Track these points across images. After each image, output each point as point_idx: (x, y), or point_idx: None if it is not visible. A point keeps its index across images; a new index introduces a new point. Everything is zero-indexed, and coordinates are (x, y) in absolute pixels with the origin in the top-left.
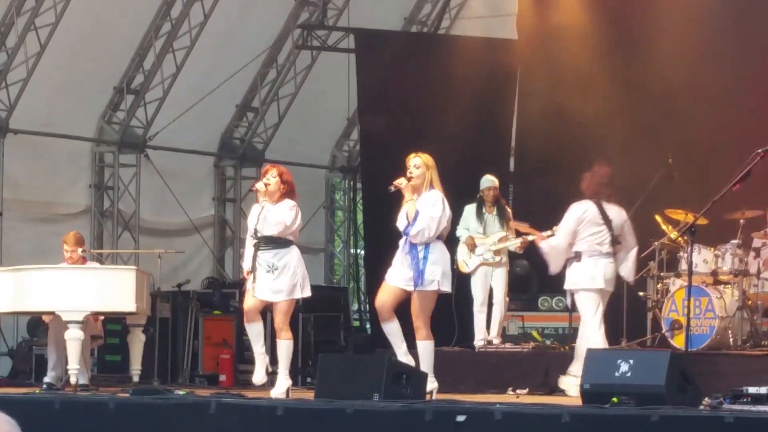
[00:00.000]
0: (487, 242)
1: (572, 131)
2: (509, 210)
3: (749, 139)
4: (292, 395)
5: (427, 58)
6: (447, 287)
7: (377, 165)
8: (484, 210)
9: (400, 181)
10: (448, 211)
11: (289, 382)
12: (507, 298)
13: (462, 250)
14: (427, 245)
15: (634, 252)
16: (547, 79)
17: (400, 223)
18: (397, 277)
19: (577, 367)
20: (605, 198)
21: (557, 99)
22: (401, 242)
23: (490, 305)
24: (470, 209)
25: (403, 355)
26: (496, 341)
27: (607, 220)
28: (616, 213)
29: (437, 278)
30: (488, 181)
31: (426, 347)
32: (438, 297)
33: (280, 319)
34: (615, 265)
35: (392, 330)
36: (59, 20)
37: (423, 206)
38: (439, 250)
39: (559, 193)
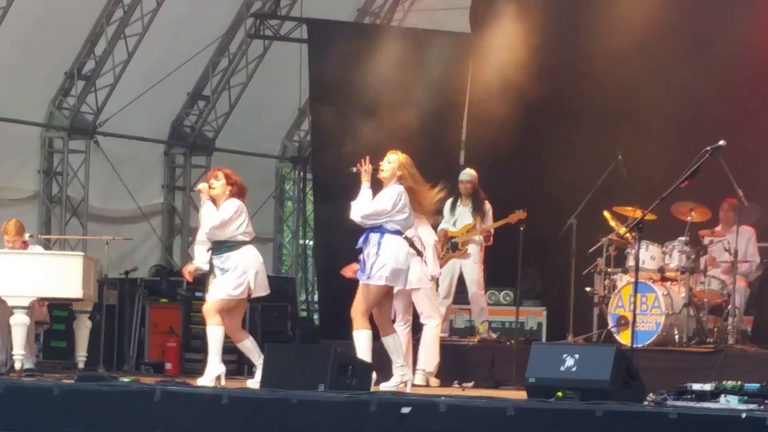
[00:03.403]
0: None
1: (523, 125)
2: (488, 204)
3: (698, 137)
4: (239, 384)
5: (380, 49)
6: (397, 283)
7: (328, 156)
8: (458, 203)
9: (365, 167)
10: (400, 206)
11: (221, 369)
12: (482, 291)
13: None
14: (380, 240)
15: (431, 249)
16: (498, 72)
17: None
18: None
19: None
20: None
21: (508, 92)
22: (362, 237)
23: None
24: (448, 203)
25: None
26: (483, 334)
27: None
28: None
29: (385, 274)
30: (464, 174)
31: (358, 337)
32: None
33: (209, 306)
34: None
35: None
36: (10, 5)
37: (380, 194)
38: (392, 246)
39: (508, 185)
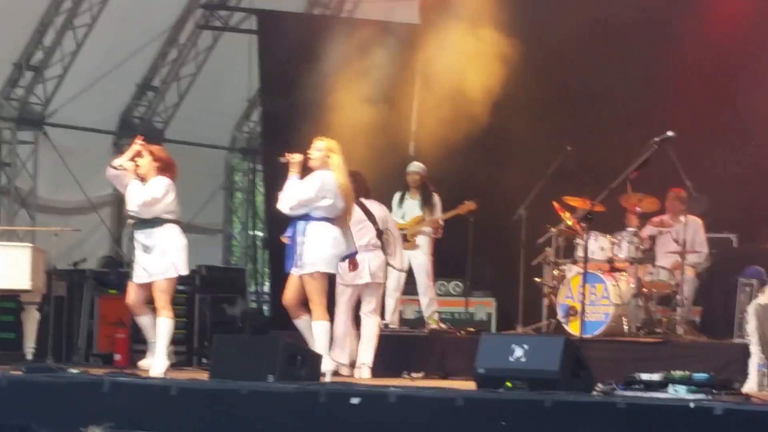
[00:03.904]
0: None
1: (473, 116)
2: (436, 197)
3: (647, 128)
4: (188, 375)
5: (330, 40)
6: (329, 268)
7: (278, 147)
8: (407, 196)
9: (293, 156)
10: (324, 192)
11: (167, 362)
12: (431, 282)
13: None
14: (306, 227)
15: (399, 242)
16: (447, 64)
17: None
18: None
19: (337, 352)
20: (364, 196)
21: (457, 84)
22: (289, 229)
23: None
24: (396, 196)
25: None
26: (433, 325)
27: (369, 216)
28: (378, 208)
29: (314, 260)
30: (413, 166)
31: (316, 328)
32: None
33: (160, 298)
34: (383, 257)
35: (301, 326)
36: None
37: (303, 181)
38: (320, 233)
39: (458, 177)
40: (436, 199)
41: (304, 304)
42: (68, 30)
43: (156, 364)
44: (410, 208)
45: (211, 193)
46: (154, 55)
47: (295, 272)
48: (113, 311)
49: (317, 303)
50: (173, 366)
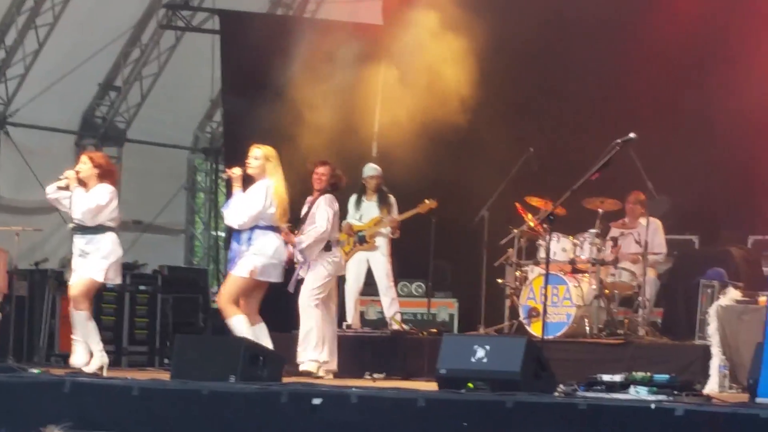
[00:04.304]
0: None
1: (435, 117)
2: (393, 198)
3: (609, 129)
4: (149, 375)
5: (293, 41)
6: (271, 277)
7: (240, 147)
8: (363, 198)
9: (234, 171)
10: (270, 200)
11: (104, 360)
12: (392, 282)
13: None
14: (251, 233)
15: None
16: (410, 65)
17: (227, 217)
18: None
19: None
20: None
21: (420, 84)
22: (235, 234)
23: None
24: (352, 199)
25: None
26: (395, 326)
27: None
28: None
29: (254, 266)
30: (371, 169)
31: (236, 324)
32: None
33: (77, 292)
34: None
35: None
36: None
37: (247, 193)
38: (264, 241)
39: (420, 178)
40: (392, 199)
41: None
42: (30, 29)
43: (93, 361)
44: (367, 209)
45: (173, 193)
46: (116, 54)
47: (229, 270)
48: None
49: (228, 301)
50: (135, 366)
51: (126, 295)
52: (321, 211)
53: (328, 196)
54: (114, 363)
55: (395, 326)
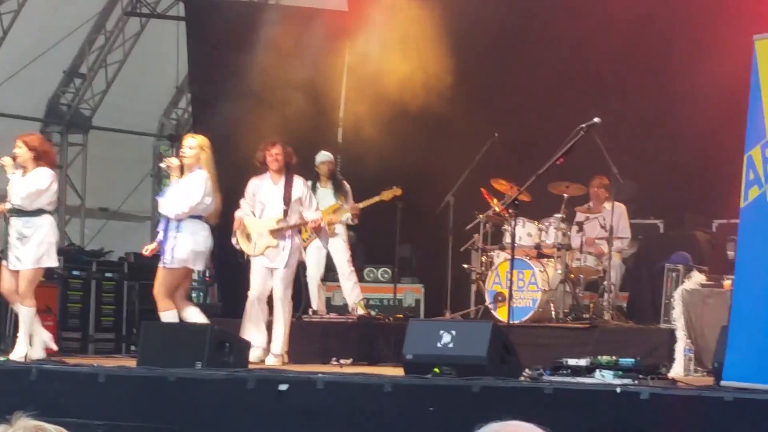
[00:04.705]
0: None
1: (400, 103)
2: (347, 184)
3: (574, 114)
4: (116, 362)
5: (258, 27)
6: (199, 265)
7: (207, 133)
8: (318, 185)
9: (171, 161)
10: (206, 192)
11: (28, 348)
12: (352, 267)
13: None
14: (179, 223)
15: None
16: (375, 50)
17: (162, 207)
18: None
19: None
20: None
21: (385, 70)
22: (162, 223)
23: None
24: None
25: None
26: (361, 312)
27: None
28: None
29: (185, 256)
30: (323, 155)
31: (167, 318)
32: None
33: (24, 287)
34: None
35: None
36: None
37: (183, 184)
38: (193, 229)
39: (386, 163)
40: (347, 186)
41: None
42: None
43: (16, 349)
44: (323, 196)
45: (139, 180)
46: (81, 42)
47: (162, 263)
48: (41, 298)
49: (166, 295)
50: (102, 353)
51: (92, 282)
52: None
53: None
54: (80, 350)
55: (360, 311)
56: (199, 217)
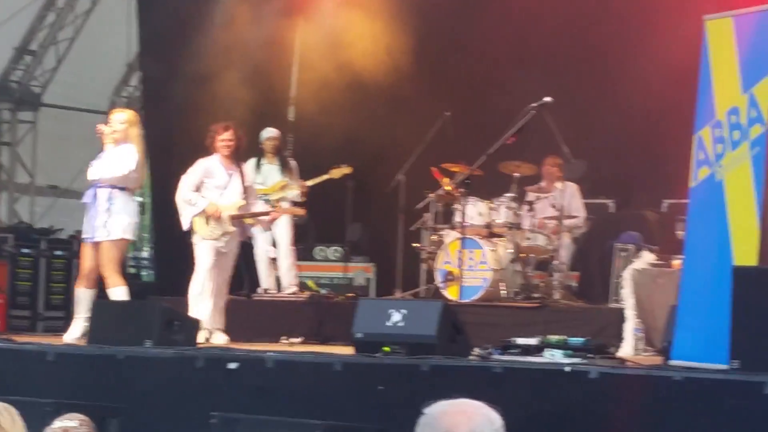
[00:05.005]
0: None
1: (352, 81)
2: (293, 162)
3: (526, 93)
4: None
5: (210, 5)
6: (131, 236)
7: (159, 111)
8: (263, 161)
9: (104, 128)
10: (137, 165)
11: None
12: (293, 247)
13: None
14: (110, 195)
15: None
16: (327, 28)
17: (93, 172)
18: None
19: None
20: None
21: (337, 48)
22: (89, 194)
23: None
24: (251, 163)
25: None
26: (291, 290)
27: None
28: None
29: (124, 227)
30: (269, 131)
31: (119, 293)
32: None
33: None
34: None
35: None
36: None
37: (115, 155)
38: (124, 200)
39: (337, 141)
40: (294, 163)
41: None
42: None
43: None
44: (269, 173)
45: (90, 157)
46: (31, 18)
47: (99, 238)
48: None
49: (116, 271)
50: (51, 331)
51: (42, 260)
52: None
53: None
54: (30, 328)
55: (292, 289)
56: (128, 189)
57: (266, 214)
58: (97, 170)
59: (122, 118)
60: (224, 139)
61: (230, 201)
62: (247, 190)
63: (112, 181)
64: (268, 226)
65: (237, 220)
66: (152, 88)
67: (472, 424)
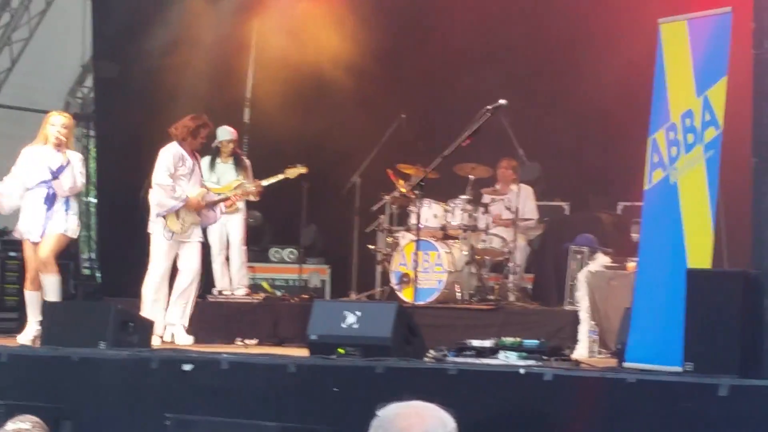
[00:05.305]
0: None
1: (307, 83)
2: (248, 161)
3: (481, 96)
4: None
5: (165, 5)
6: (72, 234)
7: (112, 113)
8: (218, 161)
9: (60, 137)
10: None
11: None
12: (245, 247)
13: None
14: (54, 198)
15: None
16: (283, 28)
17: (39, 174)
18: (35, 233)
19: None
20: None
21: (294, 49)
22: (32, 194)
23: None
24: (206, 161)
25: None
26: (241, 292)
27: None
28: None
29: (74, 227)
30: (228, 133)
31: (54, 281)
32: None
33: None
34: None
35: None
36: None
37: (73, 162)
38: (74, 203)
39: (292, 142)
40: (248, 162)
41: None
42: None
43: None
44: (224, 172)
45: None
46: None
47: (39, 237)
48: None
49: (54, 262)
50: (5, 333)
51: None
52: None
53: None
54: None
55: (242, 290)
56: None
57: (226, 200)
58: (41, 173)
59: (66, 122)
60: (204, 135)
61: (195, 190)
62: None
63: (65, 193)
64: (215, 219)
65: (199, 209)
66: (105, 89)
67: (426, 426)
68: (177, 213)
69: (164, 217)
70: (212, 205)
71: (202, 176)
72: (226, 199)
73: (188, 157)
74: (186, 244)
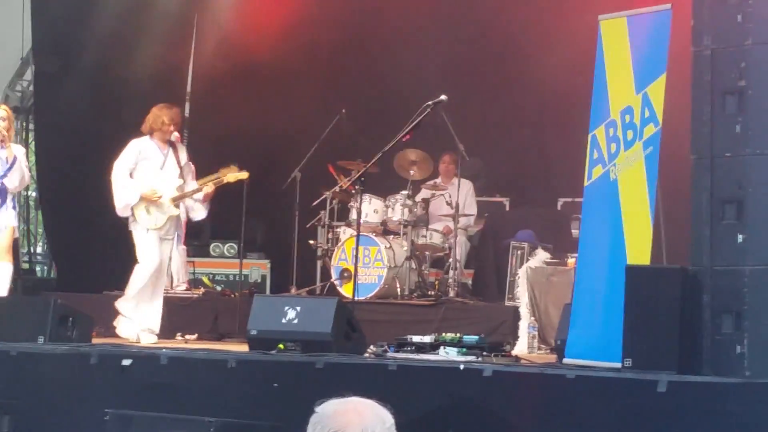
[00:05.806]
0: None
1: (248, 79)
2: (192, 165)
3: (421, 92)
4: None
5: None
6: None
7: (52, 106)
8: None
9: (3, 131)
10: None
11: None
12: (184, 246)
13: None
14: (8, 193)
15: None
16: (223, 24)
17: None
18: None
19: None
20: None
21: (233, 46)
22: None
23: None
24: None
25: None
26: (182, 288)
27: None
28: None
29: (10, 217)
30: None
31: (7, 269)
32: None
33: None
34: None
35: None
36: None
37: (19, 157)
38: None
39: (233, 138)
40: (192, 166)
41: None
42: None
43: None
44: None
45: None
46: None
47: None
48: None
49: (9, 250)
50: None
51: None
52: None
53: None
54: None
55: (183, 286)
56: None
57: (201, 190)
58: (11, 180)
59: (4, 115)
60: (177, 123)
61: (168, 182)
62: (183, 169)
63: (17, 188)
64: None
65: (179, 201)
66: (44, 82)
67: (364, 423)
68: (146, 208)
69: (133, 212)
70: (179, 199)
71: (180, 165)
72: (195, 191)
73: (155, 148)
74: (168, 240)
